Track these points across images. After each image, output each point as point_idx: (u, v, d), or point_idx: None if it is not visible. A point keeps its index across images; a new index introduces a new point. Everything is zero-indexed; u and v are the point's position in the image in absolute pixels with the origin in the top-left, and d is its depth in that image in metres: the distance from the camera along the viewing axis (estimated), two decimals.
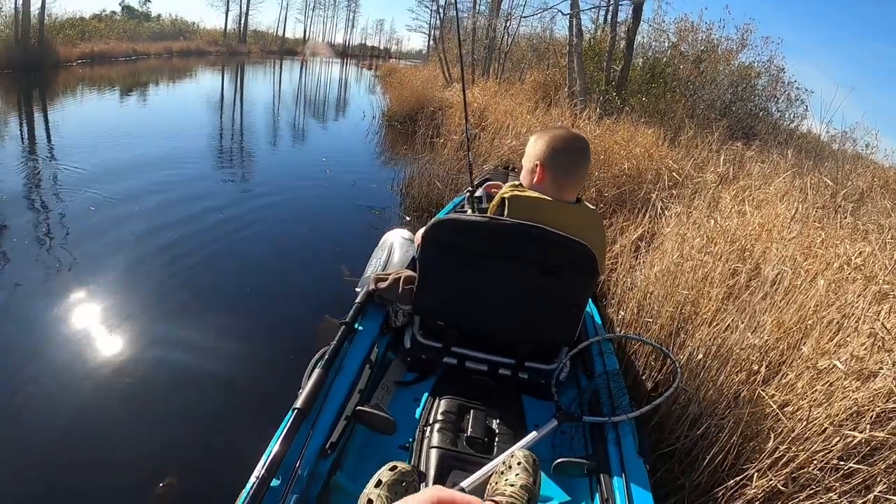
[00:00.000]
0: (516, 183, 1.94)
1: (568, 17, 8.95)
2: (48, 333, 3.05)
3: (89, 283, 3.55)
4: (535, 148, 1.90)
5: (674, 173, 4.64)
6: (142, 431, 2.40)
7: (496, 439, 1.69)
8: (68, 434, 2.35)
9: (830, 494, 1.66)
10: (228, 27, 41.12)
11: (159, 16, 33.99)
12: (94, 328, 3.12)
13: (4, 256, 3.82)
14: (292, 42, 55.81)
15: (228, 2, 42.15)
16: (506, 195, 1.84)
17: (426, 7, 34.52)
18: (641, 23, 9.19)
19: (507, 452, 1.51)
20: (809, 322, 2.23)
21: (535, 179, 1.88)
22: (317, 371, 1.64)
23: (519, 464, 1.43)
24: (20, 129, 8.33)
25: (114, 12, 29.46)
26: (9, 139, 7.47)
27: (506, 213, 1.81)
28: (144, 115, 10.97)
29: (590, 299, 2.42)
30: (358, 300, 2.10)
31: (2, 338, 2.98)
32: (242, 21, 42.95)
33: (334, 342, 1.80)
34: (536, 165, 1.87)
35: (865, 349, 1.97)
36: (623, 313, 3.11)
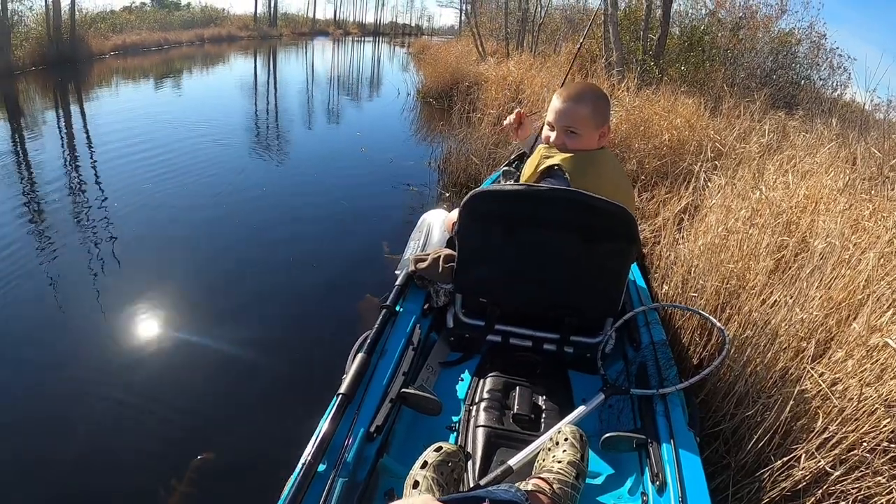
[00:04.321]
0: (543, 146, 1.91)
1: None
2: (81, 309, 3.15)
3: (131, 261, 3.68)
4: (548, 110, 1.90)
5: (716, 144, 4.52)
6: (185, 411, 2.44)
7: (543, 415, 1.69)
8: (113, 410, 2.42)
9: (878, 478, 1.62)
10: (258, 11, 40.95)
11: (189, 4, 33.97)
12: (135, 304, 3.18)
13: (60, 242, 3.99)
14: (323, 23, 55.84)
15: None
16: (553, 163, 1.80)
17: None
18: None
19: (554, 429, 1.51)
20: (860, 298, 2.17)
21: (545, 138, 1.88)
22: (360, 356, 1.65)
23: (566, 440, 1.43)
24: (57, 121, 8.47)
25: (143, 3, 29.57)
26: (48, 132, 7.60)
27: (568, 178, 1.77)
28: (179, 101, 11.06)
29: (636, 269, 2.40)
30: (398, 282, 2.10)
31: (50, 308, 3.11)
32: (272, 4, 42.73)
33: (376, 325, 1.81)
34: (546, 125, 1.88)
35: None
36: (667, 287, 3.05)
